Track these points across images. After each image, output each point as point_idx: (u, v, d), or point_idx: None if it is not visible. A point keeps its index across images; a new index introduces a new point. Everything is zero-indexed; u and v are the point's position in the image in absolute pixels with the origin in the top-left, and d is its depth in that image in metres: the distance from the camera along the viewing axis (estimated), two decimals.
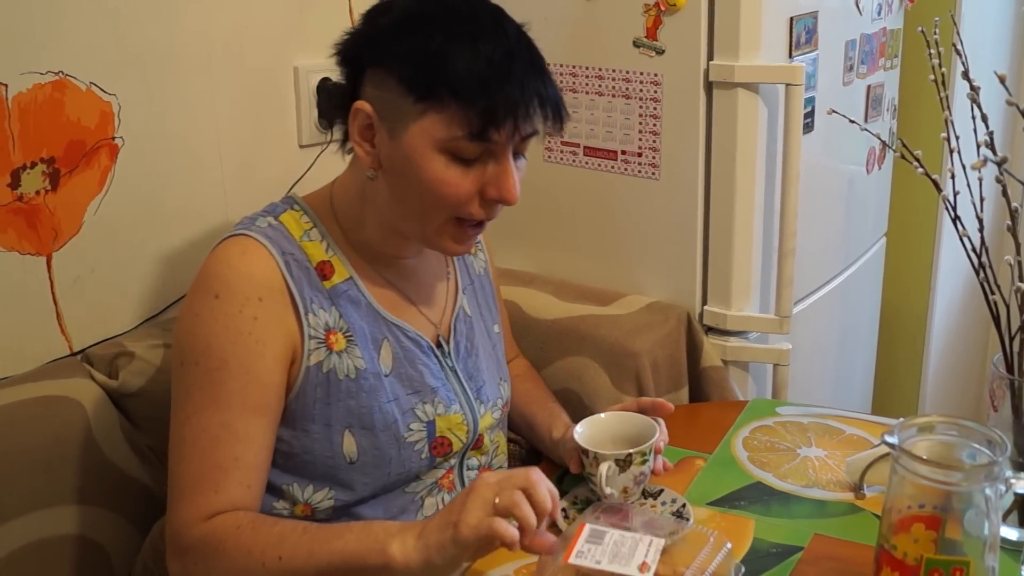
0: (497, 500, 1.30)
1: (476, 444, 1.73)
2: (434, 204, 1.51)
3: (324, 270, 1.59)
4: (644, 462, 1.59)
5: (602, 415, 1.72)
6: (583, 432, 1.66)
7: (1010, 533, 1.49)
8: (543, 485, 1.33)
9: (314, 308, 1.55)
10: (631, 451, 1.57)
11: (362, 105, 1.53)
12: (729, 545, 1.39)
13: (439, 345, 1.72)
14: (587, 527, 1.39)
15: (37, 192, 1.87)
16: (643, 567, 1.31)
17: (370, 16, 1.58)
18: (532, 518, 1.30)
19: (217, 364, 1.48)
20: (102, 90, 1.94)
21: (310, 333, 1.55)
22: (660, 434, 1.63)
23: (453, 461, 1.71)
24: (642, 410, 1.72)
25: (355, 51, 1.57)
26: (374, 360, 1.60)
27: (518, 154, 1.54)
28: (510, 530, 1.29)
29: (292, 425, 1.56)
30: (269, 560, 1.39)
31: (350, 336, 1.58)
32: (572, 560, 1.33)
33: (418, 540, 1.33)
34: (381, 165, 1.55)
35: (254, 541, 1.41)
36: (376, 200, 1.60)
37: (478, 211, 1.53)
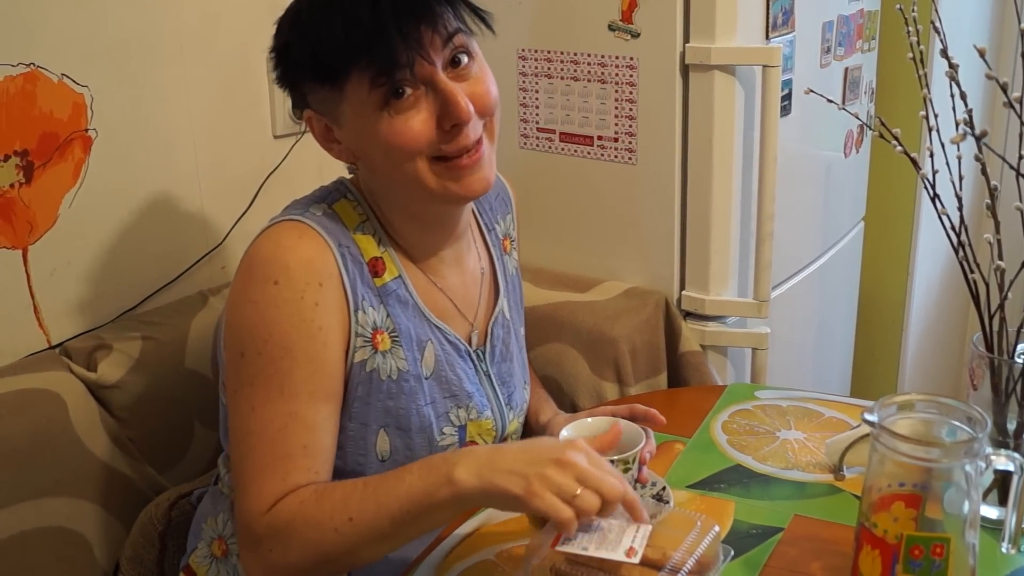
0: (579, 493, 1.28)
1: None
2: (405, 158, 1.47)
3: (376, 266, 1.56)
4: (627, 470, 1.56)
5: (589, 419, 1.68)
6: (568, 436, 1.63)
7: (990, 512, 1.49)
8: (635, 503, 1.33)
9: (364, 306, 1.52)
10: (614, 458, 1.54)
11: (309, 115, 1.54)
12: (717, 528, 1.39)
13: (474, 349, 1.70)
14: None
15: (11, 185, 1.86)
16: (630, 552, 1.31)
17: (274, 38, 1.54)
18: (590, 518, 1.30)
19: (281, 353, 1.44)
20: (74, 82, 1.93)
21: (357, 331, 1.51)
22: (647, 444, 1.59)
23: None
24: (634, 416, 1.69)
25: (279, 76, 1.55)
26: (416, 362, 1.58)
27: (457, 63, 1.49)
28: (571, 529, 1.28)
29: None
30: (340, 524, 1.37)
31: (395, 337, 1.55)
32: (559, 548, 1.32)
33: (482, 471, 1.32)
34: (356, 156, 1.54)
35: (320, 511, 1.39)
36: (377, 189, 1.59)
37: (452, 145, 1.48)
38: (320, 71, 1.46)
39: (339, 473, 1.55)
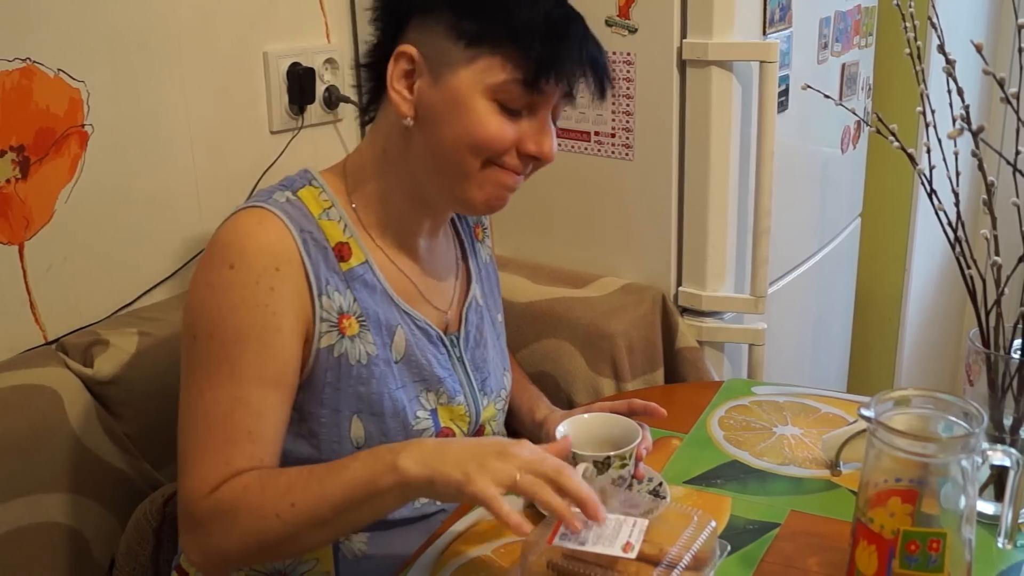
0: (519, 478, 1.27)
1: (477, 433, 1.71)
2: (472, 149, 1.48)
3: (342, 251, 1.55)
4: (623, 466, 1.56)
5: (585, 416, 1.68)
6: (565, 432, 1.63)
7: (987, 507, 1.49)
8: (572, 482, 1.29)
9: (328, 290, 1.51)
10: (610, 454, 1.54)
11: (407, 49, 1.50)
12: (714, 523, 1.39)
13: (447, 335, 1.70)
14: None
15: (7, 180, 1.85)
16: (627, 547, 1.31)
17: None
18: (558, 508, 1.28)
19: (233, 337, 1.43)
20: (71, 77, 1.93)
21: (322, 316, 1.50)
22: (643, 440, 1.59)
23: None
24: (632, 411, 1.69)
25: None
26: (386, 346, 1.57)
27: (554, 117, 1.54)
28: (513, 517, 1.25)
29: (299, 409, 1.53)
30: (283, 511, 1.36)
31: (363, 321, 1.55)
32: (556, 542, 1.32)
33: (428, 460, 1.30)
34: (417, 116, 1.52)
35: (263, 497, 1.38)
36: (405, 158, 1.57)
37: (513, 161, 1.52)
38: (474, 31, 1.47)
39: (314, 462, 1.54)
